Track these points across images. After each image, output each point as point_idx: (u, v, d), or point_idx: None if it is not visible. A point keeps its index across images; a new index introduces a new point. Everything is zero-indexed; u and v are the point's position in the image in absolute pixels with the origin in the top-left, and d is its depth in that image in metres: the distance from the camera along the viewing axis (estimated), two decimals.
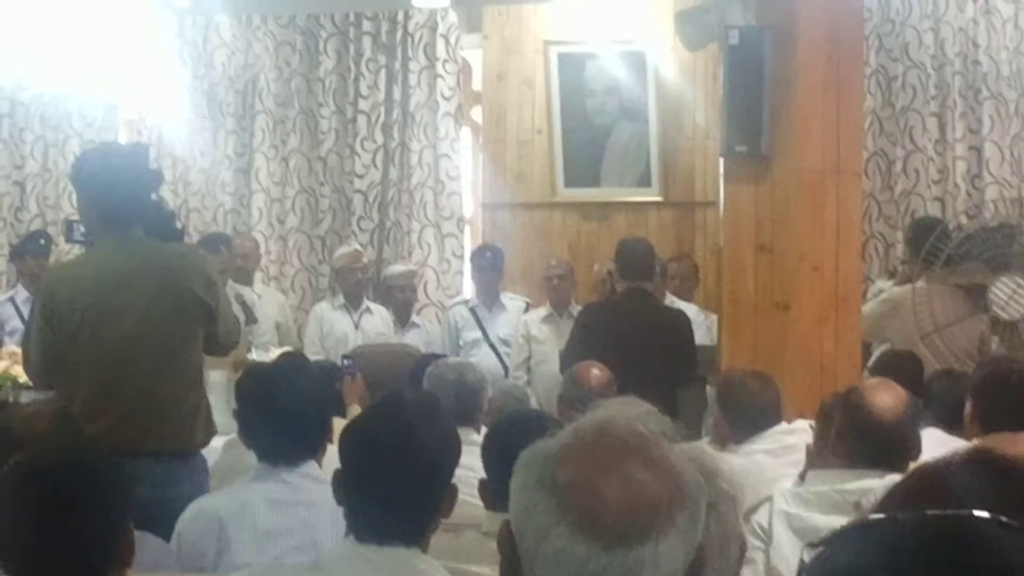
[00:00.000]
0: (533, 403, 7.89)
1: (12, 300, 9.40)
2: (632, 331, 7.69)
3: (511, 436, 3.75)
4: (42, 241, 9.60)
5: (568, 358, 7.90)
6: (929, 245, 7.77)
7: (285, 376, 4.49)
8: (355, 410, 6.36)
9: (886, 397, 4.26)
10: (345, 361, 7.23)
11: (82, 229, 5.66)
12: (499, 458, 3.74)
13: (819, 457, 4.37)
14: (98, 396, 5.13)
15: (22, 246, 9.60)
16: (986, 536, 1.39)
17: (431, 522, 3.27)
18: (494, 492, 3.82)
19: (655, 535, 1.83)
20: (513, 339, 9.33)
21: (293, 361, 5.40)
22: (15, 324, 9.19)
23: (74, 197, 10.32)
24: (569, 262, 9.64)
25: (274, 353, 7.46)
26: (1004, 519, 1.41)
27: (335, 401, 6.24)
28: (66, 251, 9.71)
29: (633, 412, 2.01)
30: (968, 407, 5.26)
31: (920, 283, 7.84)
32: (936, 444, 5.02)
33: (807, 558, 1.42)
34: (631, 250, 8.24)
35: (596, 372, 6.16)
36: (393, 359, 7.70)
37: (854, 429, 4.23)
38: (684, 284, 9.54)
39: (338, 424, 4.03)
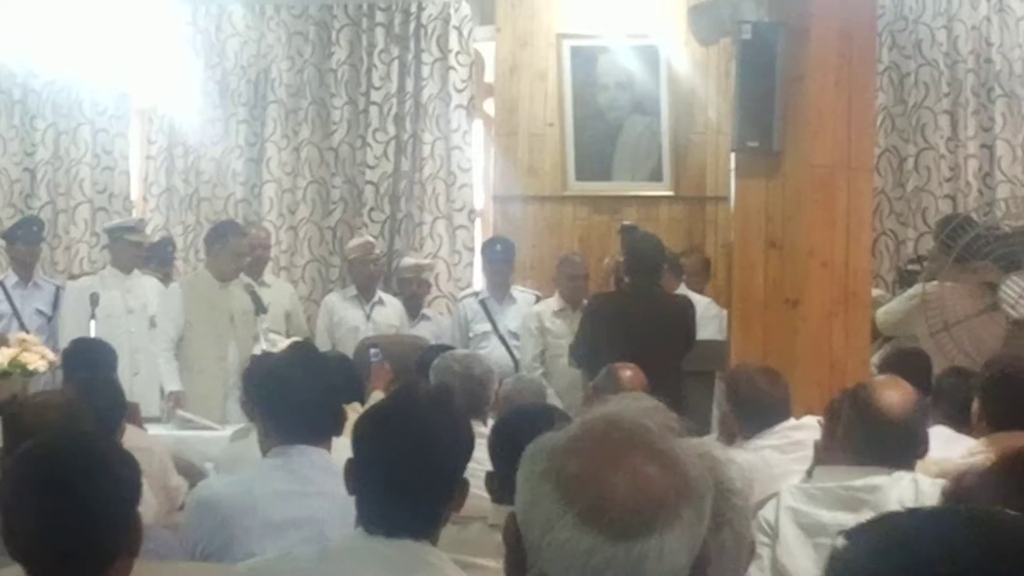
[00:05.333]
0: (551, 396, 7.89)
1: (2, 284, 9.29)
2: (637, 320, 7.69)
3: (518, 429, 3.72)
4: (35, 228, 9.53)
5: (582, 347, 7.91)
6: (939, 242, 7.76)
7: (294, 364, 4.43)
8: (376, 395, 6.33)
9: (894, 394, 4.25)
10: (373, 349, 7.24)
11: None
12: (506, 451, 3.72)
13: (827, 453, 4.37)
14: None
15: (14, 231, 9.51)
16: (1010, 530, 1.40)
17: (442, 515, 3.22)
18: (500, 485, 3.80)
19: (660, 528, 1.83)
20: (523, 331, 9.28)
21: (303, 350, 5.37)
22: (3, 308, 9.16)
23: (84, 184, 10.47)
24: (586, 261, 9.54)
25: (283, 343, 7.45)
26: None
27: (355, 389, 6.21)
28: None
29: (640, 407, 2.02)
30: (976, 406, 5.26)
31: (933, 281, 7.83)
32: (944, 442, 5.04)
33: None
34: (639, 249, 8.22)
35: (629, 374, 6.06)
36: (407, 351, 7.67)
37: (862, 425, 4.22)
38: (695, 278, 9.54)
39: (355, 413, 4.00)
